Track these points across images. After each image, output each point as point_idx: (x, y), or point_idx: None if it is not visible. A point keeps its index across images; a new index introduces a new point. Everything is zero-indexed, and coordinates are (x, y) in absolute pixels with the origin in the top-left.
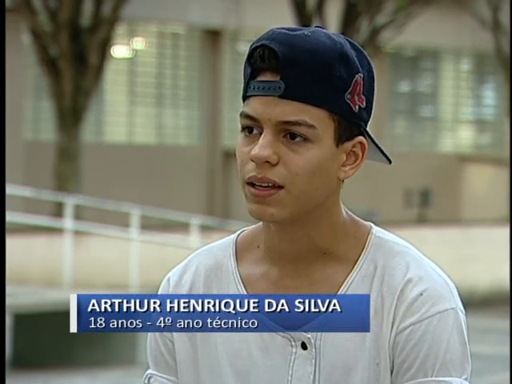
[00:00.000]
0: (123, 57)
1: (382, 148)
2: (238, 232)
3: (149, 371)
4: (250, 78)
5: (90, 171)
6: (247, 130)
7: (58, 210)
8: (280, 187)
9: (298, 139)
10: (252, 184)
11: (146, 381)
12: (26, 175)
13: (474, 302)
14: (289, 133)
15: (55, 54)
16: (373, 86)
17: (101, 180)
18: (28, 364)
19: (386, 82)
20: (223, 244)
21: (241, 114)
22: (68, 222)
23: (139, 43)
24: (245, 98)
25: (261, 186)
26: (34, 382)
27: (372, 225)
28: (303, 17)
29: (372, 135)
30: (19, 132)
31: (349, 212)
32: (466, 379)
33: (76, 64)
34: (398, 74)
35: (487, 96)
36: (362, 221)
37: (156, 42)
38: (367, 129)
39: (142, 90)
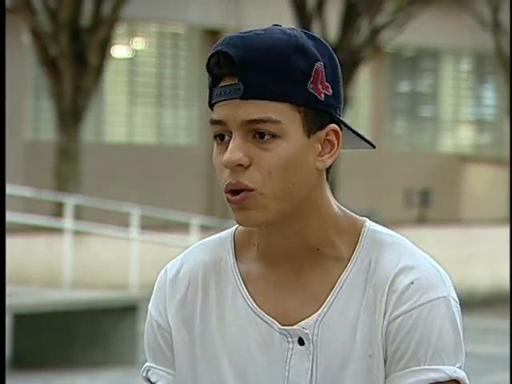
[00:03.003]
0: (123, 57)
1: (361, 133)
2: (235, 226)
3: (146, 364)
4: (212, 85)
5: (90, 171)
6: (219, 137)
7: (58, 210)
8: (252, 190)
9: (266, 137)
10: (230, 192)
11: (144, 373)
12: (26, 175)
13: (474, 302)
14: (257, 132)
15: (55, 54)
16: (337, 73)
17: (101, 180)
18: (28, 364)
19: (386, 81)
20: (221, 238)
21: (210, 122)
22: (68, 222)
23: (139, 43)
24: (211, 106)
25: (235, 191)
26: (34, 382)
27: (366, 219)
28: (303, 17)
29: (347, 122)
30: (19, 132)
31: (342, 207)
32: (460, 367)
33: (76, 64)
34: (398, 74)
35: (487, 96)
36: (355, 216)
37: (156, 41)
38: (341, 116)
39: (142, 90)
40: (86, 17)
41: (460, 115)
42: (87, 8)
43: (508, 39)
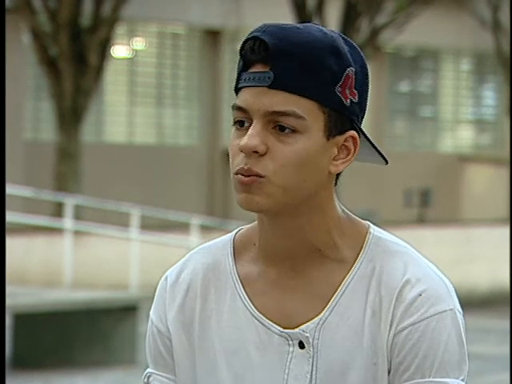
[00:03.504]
0: (123, 57)
1: (377, 146)
2: (236, 230)
3: (148, 370)
4: (241, 70)
5: (90, 171)
6: (238, 123)
7: (58, 210)
8: (262, 177)
9: (287, 130)
10: (239, 175)
11: (146, 380)
12: (26, 175)
13: (474, 302)
14: (278, 124)
15: (55, 54)
16: (366, 83)
17: (101, 180)
18: (28, 364)
19: (386, 82)
20: (221, 242)
21: (232, 107)
22: (68, 222)
23: (139, 43)
24: (237, 90)
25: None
26: (34, 382)
27: (370, 224)
28: (303, 17)
29: (366, 132)
30: (19, 132)
31: (346, 210)
32: (463, 380)
33: (76, 64)
34: (398, 74)
35: (487, 96)
36: (359, 220)
37: (156, 41)
38: (361, 126)
39: (142, 89)
40: (86, 17)
41: (460, 115)
42: (87, 8)
43: (508, 39)
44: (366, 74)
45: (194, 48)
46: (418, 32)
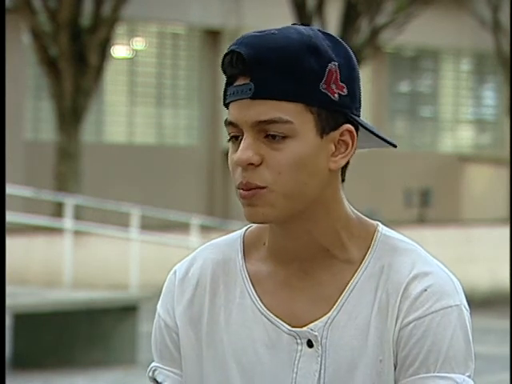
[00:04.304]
0: (123, 57)
1: (379, 133)
2: (245, 228)
3: (153, 364)
4: (227, 85)
5: (90, 171)
6: (233, 138)
7: (58, 210)
8: (263, 188)
9: (277, 138)
10: (241, 189)
11: (151, 373)
12: (26, 175)
13: (474, 302)
14: (268, 133)
15: (55, 54)
16: (353, 73)
17: (101, 180)
18: (28, 364)
19: (386, 82)
20: (230, 239)
21: (225, 123)
22: (68, 222)
23: (139, 43)
24: (227, 106)
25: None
26: (34, 382)
27: (379, 223)
28: (303, 17)
29: (365, 122)
30: (19, 132)
31: (355, 210)
32: (469, 376)
33: (76, 64)
34: (398, 74)
35: (487, 96)
36: (368, 219)
37: (156, 41)
38: (359, 116)
39: (142, 89)
40: (86, 17)
41: (460, 115)
42: (87, 8)
43: (508, 39)
44: (352, 65)
45: (194, 48)
46: (418, 32)
